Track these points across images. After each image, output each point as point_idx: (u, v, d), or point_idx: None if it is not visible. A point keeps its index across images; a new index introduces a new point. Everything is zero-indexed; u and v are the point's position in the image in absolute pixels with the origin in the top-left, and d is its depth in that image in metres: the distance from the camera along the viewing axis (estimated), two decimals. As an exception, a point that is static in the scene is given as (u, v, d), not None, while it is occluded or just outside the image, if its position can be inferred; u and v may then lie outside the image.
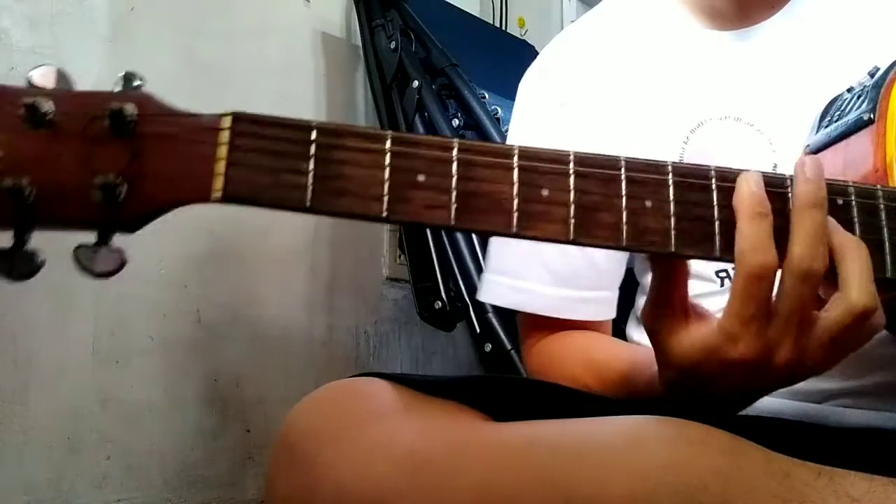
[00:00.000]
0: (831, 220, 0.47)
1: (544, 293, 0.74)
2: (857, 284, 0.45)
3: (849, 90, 0.60)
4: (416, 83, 1.45)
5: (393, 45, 1.50)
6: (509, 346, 1.25)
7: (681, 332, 0.49)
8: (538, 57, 0.87)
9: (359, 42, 1.61)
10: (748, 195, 0.46)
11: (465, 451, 0.44)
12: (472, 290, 1.31)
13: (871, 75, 0.58)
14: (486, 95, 1.46)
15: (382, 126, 1.52)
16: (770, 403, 0.66)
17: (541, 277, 0.74)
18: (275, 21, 1.50)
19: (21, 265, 0.40)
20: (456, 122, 1.42)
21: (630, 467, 0.41)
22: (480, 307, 1.35)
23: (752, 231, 0.45)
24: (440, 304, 1.41)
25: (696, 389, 0.50)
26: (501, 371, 1.24)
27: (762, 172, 0.48)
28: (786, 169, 0.68)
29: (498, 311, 1.33)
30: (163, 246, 1.23)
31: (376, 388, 0.51)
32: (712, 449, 0.42)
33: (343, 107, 1.64)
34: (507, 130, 1.35)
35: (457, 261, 1.40)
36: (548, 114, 0.81)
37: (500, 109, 1.44)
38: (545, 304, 0.75)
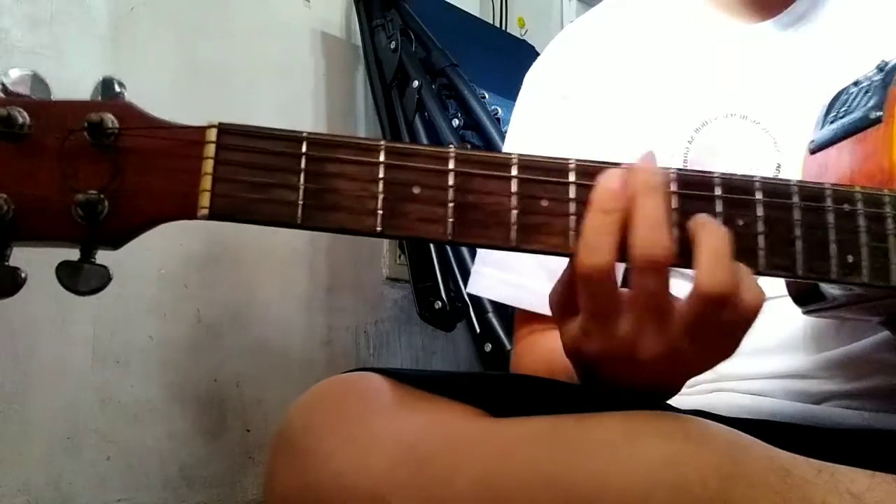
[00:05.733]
0: (697, 209, 0.45)
1: (535, 289, 0.72)
2: (705, 269, 0.43)
3: (855, 83, 0.58)
4: (416, 83, 1.46)
5: (393, 45, 1.50)
6: (509, 346, 1.25)
7: (562, 325, 0.49)
8: (545, 49, 0.86)
9: (359, 42, 1.61)
10: (599, 190, 0.44)
11: (464, 446, 0.44)
12: (473, 290, 1.31)
13: (880, 69, 0.56)
14: (486, 95, 1.46)
15: (382, 126, 1.52)
16: (770, 404, 0.66)
17: (533, 272, 0.73)
18: (275, 21, 1.50)
19: (2, 281, 0.39)
20: (456, 123, 1.42)
21: (628, 462, 0.41)
22: (480, 307, 1.35)
23: (590, 228, 0.44)
24: (440, 304, 1.41)
25: (595, 381, 0.49)
26: (502, 371, 1.24)
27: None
28: (790, 168, 0.67)
29: (498, 310, 1.33)
30: (163, 246, 1.23)
31: (375, 384, 0.50)
32: (712, 444, 0.42)
33: (343, 107, 1.64)
34: (507, 130, 1.36)
35: (457, 261, 1.40)
36: (550, 106, 0.80)
37: (500, 109, 1.44)
38: (535, 301, 0.73)
